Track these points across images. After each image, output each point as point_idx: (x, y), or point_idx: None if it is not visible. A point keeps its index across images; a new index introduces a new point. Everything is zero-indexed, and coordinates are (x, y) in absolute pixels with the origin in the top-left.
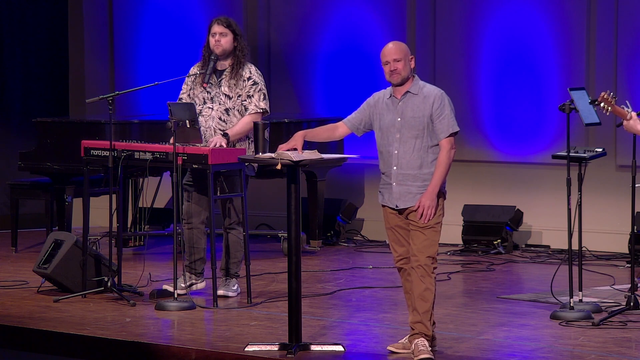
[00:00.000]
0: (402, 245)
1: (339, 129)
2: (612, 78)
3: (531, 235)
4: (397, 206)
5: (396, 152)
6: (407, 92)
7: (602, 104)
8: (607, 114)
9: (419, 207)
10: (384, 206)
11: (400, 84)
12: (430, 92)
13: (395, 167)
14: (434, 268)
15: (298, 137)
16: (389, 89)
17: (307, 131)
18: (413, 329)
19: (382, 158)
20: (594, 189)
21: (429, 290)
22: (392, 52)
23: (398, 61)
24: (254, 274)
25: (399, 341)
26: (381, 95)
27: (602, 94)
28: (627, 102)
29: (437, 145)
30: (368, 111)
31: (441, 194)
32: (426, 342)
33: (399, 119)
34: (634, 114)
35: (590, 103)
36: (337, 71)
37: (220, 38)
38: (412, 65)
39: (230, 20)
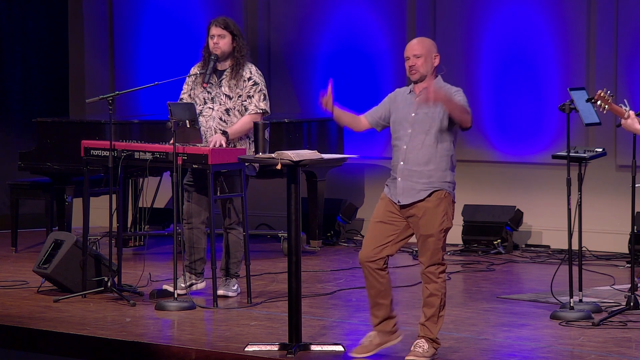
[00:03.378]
0: (373, 243)
1: (361, 121)
2: (612, 78)
3: (531, 235)
4: (399, 202)
5: (405, 147)
6: (426, 89)
7: (598, 102)
8: (604, 112)
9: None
10: (385, 199)
11: (419, 81)
12: (449, 88)
13: (402, 162)
14: (440, 272)
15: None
16: (411, 85)
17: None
18: (379, 324)
19: (393, 152)
20: (594, 189)
21: (434, 296)
22: (414, 47)
23: (418, 57)
24: (254, 274)
25: (361, 341)
26: (401, 91)
27: (599, 92)
28: (625, 100)
29: (448, 142)
30: (388, 105)
31: (446, 197)
32: (426, 345)
33: (413, 114)
34: (632, 112)
35: (586, 101)
36: (337, 71)
37: (219, 40)
38: (436, 63)
39: (228, 20)
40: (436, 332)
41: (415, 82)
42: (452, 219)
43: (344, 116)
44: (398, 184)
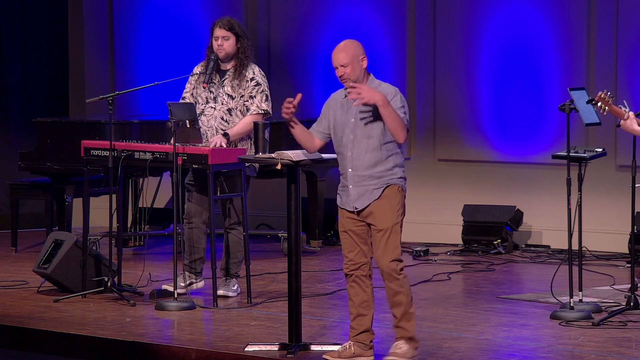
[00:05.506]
0: (351, 251)
1: (315, 140)
2: (612, 78)
3: (531, 235)
4: (355, 208)
5: (350, 154)
6: (355, 88)
7: (599, 104)
8: (604, 113)
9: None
10: (341, 209)
11: None
12: (385, 90)
13: (350, 169)
14: (401, 269)
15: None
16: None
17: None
18: (357, 335)
19: (339, 159)
20: (594, 189)
21: (400, 294)
22: (339, 57)
23: (345, 66)
24: (254, 274)
25: (338, 349)
26: (337, 95)
27: (599, 93)
28: (624, 101)
29: (392, 142)
30: (327, 114)
31: (400, 191)
32: (405, 347)
33: (353, 120)
34: (631, 113)
35: (587, 102)
36: None
37: (223, 42)
38: (364, 66)
39: (233, 22)
40: (413, 330)
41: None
42: (404, 212)
43: (300, 133)
44: (350, 191)
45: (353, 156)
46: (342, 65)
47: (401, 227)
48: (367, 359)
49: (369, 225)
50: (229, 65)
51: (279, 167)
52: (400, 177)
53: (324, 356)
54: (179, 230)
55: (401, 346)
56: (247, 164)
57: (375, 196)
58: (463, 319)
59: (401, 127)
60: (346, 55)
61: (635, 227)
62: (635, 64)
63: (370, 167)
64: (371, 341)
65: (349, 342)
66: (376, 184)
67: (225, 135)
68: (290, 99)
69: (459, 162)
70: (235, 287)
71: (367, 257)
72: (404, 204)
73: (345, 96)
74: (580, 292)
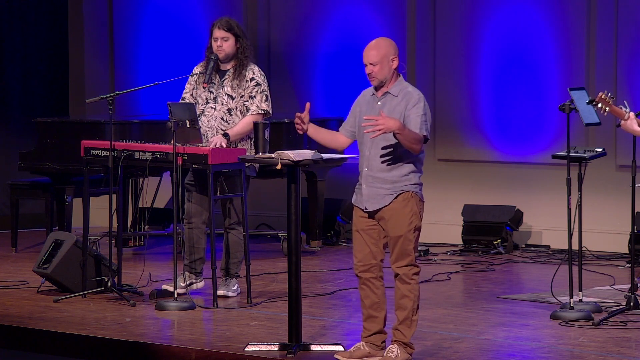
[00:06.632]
0: (360, 252)
1: (340, 137)
2: (612, 78)
3: (531, 235)
4: (366, 208)
5: (368, 153)
6: (387, 92)
7: (599, 104)
8: (605, 114)
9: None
10: (355, 207)
11: (380, 86)
12: (410, 94)
13: (365, 169)
14: (414, 274)
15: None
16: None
17: (315, 126)
18: (369, 336)
19: (359, 157)
20: (594, 189)
21: (406, 298)
22: (370, 55)
23: (374, 65)
24: (254, 274)
25: (350, 349)
26: (367, 92)
27: (600, 94)
28: (625, 102)
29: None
30: (355, 110)
31: (413, 197)
32: (397, 351)
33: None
34: (632, 114)
35: (587, 103)
36: (337, 71)
37: (222, 43)
38: (394, 66)
39: (232, 22)
40: (410, 336)
41: (376, 88)
42: (421, 218)
43: (320, 135)
44: (363, 190)
45: (370, 155)
46: (371, 64)
47: (417, 231)
48: (379, 358)
49: (382, 228)
50: (228, 66)
51: (279, 167)
52: (414, 184)
53: (336, 356)
54: (179, 230)
55: (393, 350)
56: (247, 164)
57: (386, 202)
58: (463, 319)
59: (415, 142)
60: (377, 53)
61: (635, 227)
62: (635, 64)
63: (385, 170)
64: (383, 342)
65: (361, 342)
66: (389, 189)
67: (226, 135)
68: (299, 114)
69: (459, 162)
70: (235, 287)
71: (376, 259)
72: (419, 210)
73: (373, 94)
74: (580, 292)
